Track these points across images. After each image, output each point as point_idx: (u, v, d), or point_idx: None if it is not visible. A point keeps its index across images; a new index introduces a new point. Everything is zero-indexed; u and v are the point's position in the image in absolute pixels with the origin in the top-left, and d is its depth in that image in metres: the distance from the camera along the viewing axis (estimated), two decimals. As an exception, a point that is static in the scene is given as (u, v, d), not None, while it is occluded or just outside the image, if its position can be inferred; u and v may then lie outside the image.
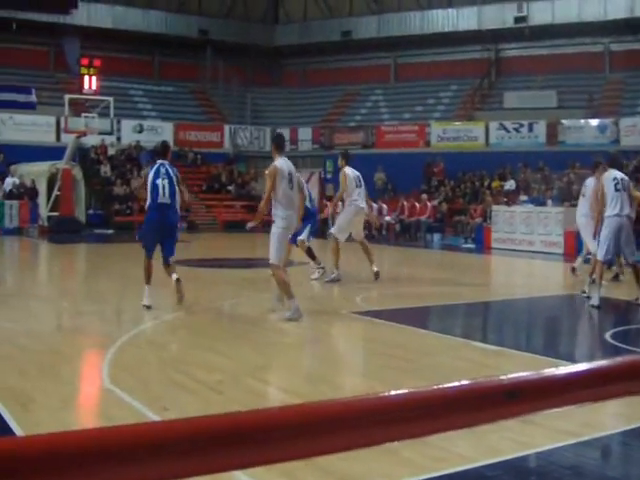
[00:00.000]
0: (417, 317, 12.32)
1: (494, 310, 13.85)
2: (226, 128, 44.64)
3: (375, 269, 15.30)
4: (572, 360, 8.50)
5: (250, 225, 12.19)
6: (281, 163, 11.27)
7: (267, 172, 11.57)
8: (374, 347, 9.87)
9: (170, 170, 12.48)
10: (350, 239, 15.90)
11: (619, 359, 1.54)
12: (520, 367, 8.29)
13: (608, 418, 6.02)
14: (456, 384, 1.25)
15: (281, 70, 52.86)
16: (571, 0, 42.83)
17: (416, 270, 18.08)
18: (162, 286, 14.14)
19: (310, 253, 15.70)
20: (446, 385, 1.24)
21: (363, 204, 15.62)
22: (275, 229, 11.14)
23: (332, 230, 15.76)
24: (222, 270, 18.23)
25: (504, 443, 5.53)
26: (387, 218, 32.19)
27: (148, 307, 11.83)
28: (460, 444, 5.28)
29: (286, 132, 45.28)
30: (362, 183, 15.75)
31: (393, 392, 1.17)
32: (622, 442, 5.88)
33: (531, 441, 5.64)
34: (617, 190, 12.93)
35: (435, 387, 1.21)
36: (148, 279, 12.13)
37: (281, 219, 11.10)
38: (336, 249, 15.43)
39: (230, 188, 40.55)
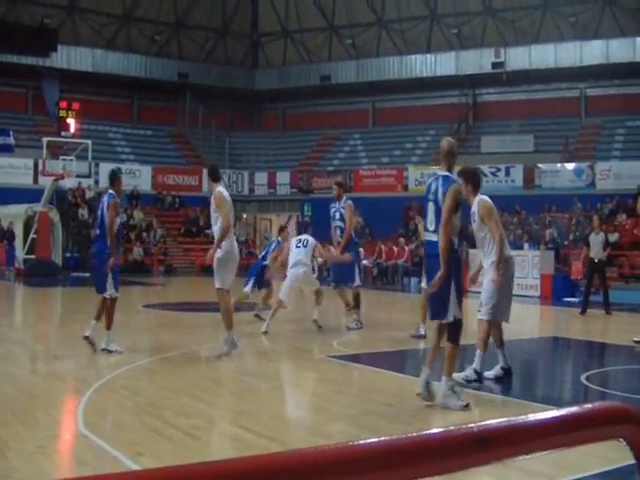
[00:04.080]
0: (394, 361, 12.31)
1: (470, 354, 13.84)
2: (204, 172, 44.65)
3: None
4: (545, 404, 8.52)
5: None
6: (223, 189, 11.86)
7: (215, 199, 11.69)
8: (353, 391, 9.83)
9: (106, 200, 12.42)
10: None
11: (589, 406, 1.55)
12: (495, 412, 8.33)
13: (580, 459, 6.02)
14: (427, 433, 1.26)
15: (260, 114, 53.18)
16: (547, 46, 43.57)
17: (393, 314, 18.09)
18: (140, 330, 14.11)
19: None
20: (418, 434, 1.25)
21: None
22: (219, 254, 11.56)
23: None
24: (199, 314, 18.13)
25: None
26: (364, 262, 32.23)
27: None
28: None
29: (264, 176, 45.50)
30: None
31: (362, 441, 1.18)
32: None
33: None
34: None
35: (406, 436, 1.22)
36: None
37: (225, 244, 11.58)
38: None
39: (208, 232, 40.47)
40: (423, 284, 14.12)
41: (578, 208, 34.98)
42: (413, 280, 30.56)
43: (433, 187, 8.53)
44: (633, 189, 34.78)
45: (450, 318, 8.33)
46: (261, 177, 45.74)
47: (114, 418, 7.79)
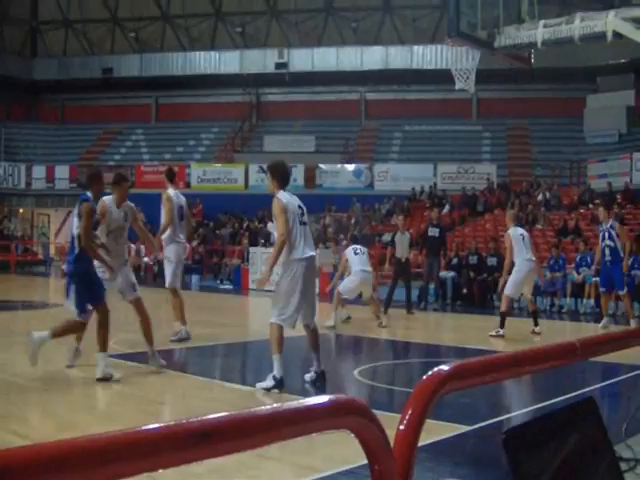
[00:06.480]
0: (173, 360, 12.23)
1: (250, 351, 13.99)
2: (-19, 164, 42.79)
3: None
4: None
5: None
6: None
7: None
8: (126, 391, 9.68)
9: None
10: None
11: (319, 398, 1.60)
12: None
13: (349, 452, 6.18)
14: (145, 428, 1.25)
15: (38, 105, 51.48)
16: (330, 49, 44.69)
17: (170, 312, 17.86)
18: None
19: None
20: (141, 428, 1.24)
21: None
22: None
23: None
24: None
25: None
26: (145, 259, 31.86)
27: None
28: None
29: (42, 169, 44.00)
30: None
31: (67, 439, 1.17)
32: (364, 475, 6.05)
33: (271, 477, 5.73)
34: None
35: (121, 432, 1.21)
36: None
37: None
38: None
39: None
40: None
41: (357, 208, 36.05)
42: (194, 278, 30.57)
43: None
44: (408, 191, 36.26)
45: None
46: (39, 170, 44.23)
47: None
